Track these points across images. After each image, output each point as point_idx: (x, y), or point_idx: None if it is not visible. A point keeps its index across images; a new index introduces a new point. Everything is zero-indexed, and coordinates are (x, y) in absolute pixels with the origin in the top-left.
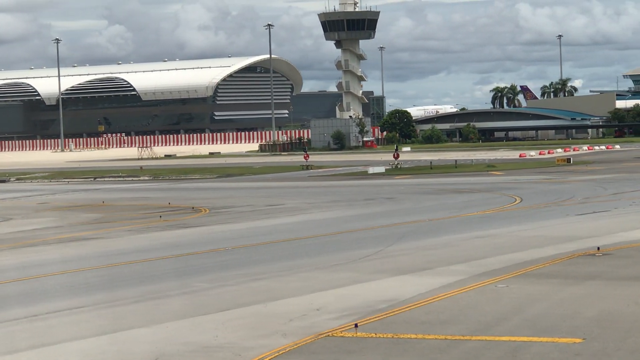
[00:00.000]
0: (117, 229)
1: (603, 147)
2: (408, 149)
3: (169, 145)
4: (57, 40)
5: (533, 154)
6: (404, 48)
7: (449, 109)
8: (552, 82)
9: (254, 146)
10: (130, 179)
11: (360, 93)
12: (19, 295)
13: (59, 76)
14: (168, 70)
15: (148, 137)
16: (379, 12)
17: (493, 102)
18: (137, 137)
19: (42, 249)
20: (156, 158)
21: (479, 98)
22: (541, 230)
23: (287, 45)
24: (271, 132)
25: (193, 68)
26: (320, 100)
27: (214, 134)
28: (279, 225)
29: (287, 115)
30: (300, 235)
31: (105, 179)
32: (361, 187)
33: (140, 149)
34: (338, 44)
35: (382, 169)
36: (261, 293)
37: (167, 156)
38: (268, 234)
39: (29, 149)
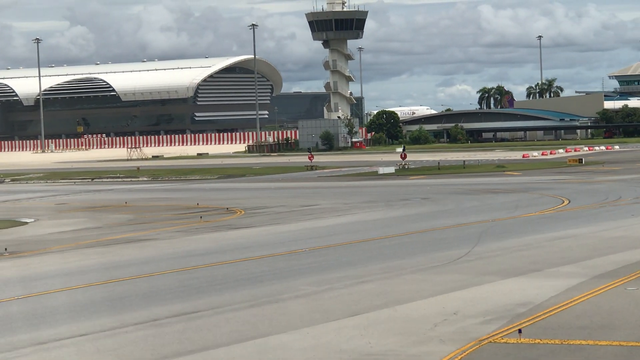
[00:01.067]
0: (163, 230)
1: (603, 148)
2: (400, 149)
3: (150, 146)
4: (38, 40)
5: (536, 154)
6: (366, 50)
7: (425, 110)
8: (537, 83)
9: (239, 147)
10: (129, 179)
11: (348, 93)
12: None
13: (39, 76)
14: (148, 70)
15: (128, 137)
16: (367, 11)
17: (480, 103)
18: (117, 138)
19: (108, 250)
20: (145, 159)
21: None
22: (621, 231)
23: (249, 46)
24: (255, 133)
25: (173, 68)
26: (295, 101)
27: (196, 135)
28: (335, 226)
29: (267, 116)
30: (369, 237)
31: (104, 180)
32: (386, 188)
33: (129, 149)
34: (326, 44)
35: (391, 170)
36: (378, 296)
37: (155, 157)
38: (332, 235)
39: (8, 150)
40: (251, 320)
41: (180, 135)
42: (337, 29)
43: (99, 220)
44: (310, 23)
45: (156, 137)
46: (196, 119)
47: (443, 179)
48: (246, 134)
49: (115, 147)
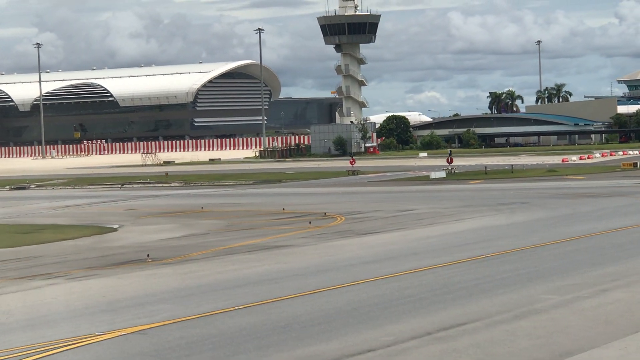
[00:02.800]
0: (283, 236)
1: (637, 152)
2: (425, 154)
3: (148, 151)
4: (38, 45)
5: (574, 158)
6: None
7: (417, 117)
8: (546, 88)
9: (244, 152)
10: (160, 185)
11: (361, 98)
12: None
13: (40, 81)
14: (146, 75)
15: (128, 143)
16: (379, 15)
17: (490, 108)
18: (116, 144)
19: (261, 256)
20: (158, 164)
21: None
22: None
23: (218, 53)
24: (257, 138)
25: (172, 74)
26: (284, 107)
27: (198, 141)
28: (470, 231)
29: (266, 122)
30: (531, 243)
31: (134, 185)
32: (462, 192)
33: (144, 155)
34: (338, 48)
35: (442, 174)
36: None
37: (166, 163)
38: (489, 241)
39: (5, 156)
40: (540, 334)
41: (181, 141)
42: (349, 32)
43: (193, 226)
44: (323, 27)
45: (155, 142)
46: (195, 124)
47: (508, 183)
48: (249, 139)
49: (115, 152)
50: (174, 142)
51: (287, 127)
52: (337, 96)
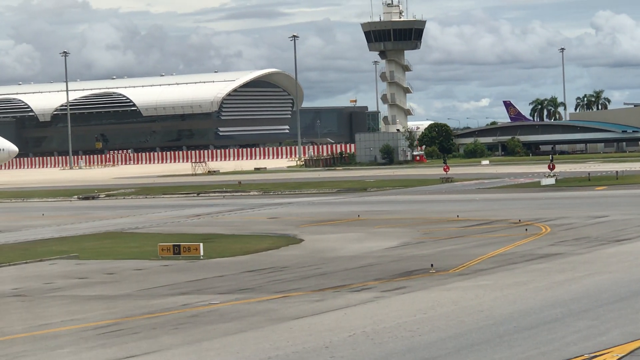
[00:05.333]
0: (518, 244)
1: None
2: (487, 162)
3: (172, 162)
4: (65, 54)
5: None
6: (312, 67)
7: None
8: (585, 95)
9: (276, 162)
10: (239, 194)
11: (406, 105)
12: None
13: (67, 90)
14: (168, 85)
15: (153, 153)
16: (425, 21)
17: (532, 115)
18: (141, 154)
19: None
20: (203, 174)
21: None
22: None
23: (195, 65)
24: (291, 147)
25: (195, 82)
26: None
27: (224, 150)
28: None
29: (287, 131)
30: None
31: (210, 195)
32: (616, 199)
33: (194, 164)
34: (382, 55)
35: (552, 181)
36: None
37: (211, 172)
38: None
39: (28, 167)
40: None
41: (206, 151)
42: (395, 39)
43: (385, 235)
44: (367, 33)
45: (179, 152)
46: (220, 134)
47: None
48: (278, 149)
49: (140, 163)
50: (199, 151)
51: (308, 137)
52: (355, 105)
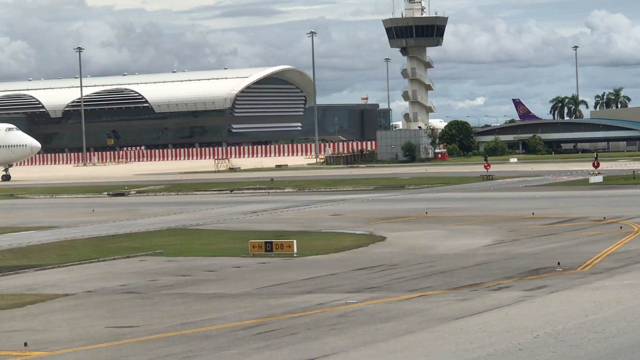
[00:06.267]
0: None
1: None
2: (515, 159)
3: (184, 159)
4: (80, 49)
5: None
6: (307, 65)
7: (438, 123)
8: (604, 93)
9: (296, 159)
10: (273, 191)
11: (428, 102)
12: None
13: (81, 86)
14: (181, 81)
15: (167, 150)
16: (447, 17)
17: (552, 113)
18: (153, 151)
19: None
20: (227, 170)
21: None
22: None
23: (189, 62)
24: (309, 144)
25: (208, 79)
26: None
27: (238, 147)
28: None
29: (300, 128)
30: None
31: (244, 192)
32: None
33: (217, 161)
34: (404, 51)
35: (599, 179)
36: None
37: (232, 169)
38: None
39: (39, 164)
40: None
41: (222, 148)
42: (417, 35)
43: (470, 233)
44: (388, 30)
45: (191, 149)
46: (233, 131)
47: None
48: (293, 146)
49: (154, 160)
50: (212, 148)
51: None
52: (367, 102)
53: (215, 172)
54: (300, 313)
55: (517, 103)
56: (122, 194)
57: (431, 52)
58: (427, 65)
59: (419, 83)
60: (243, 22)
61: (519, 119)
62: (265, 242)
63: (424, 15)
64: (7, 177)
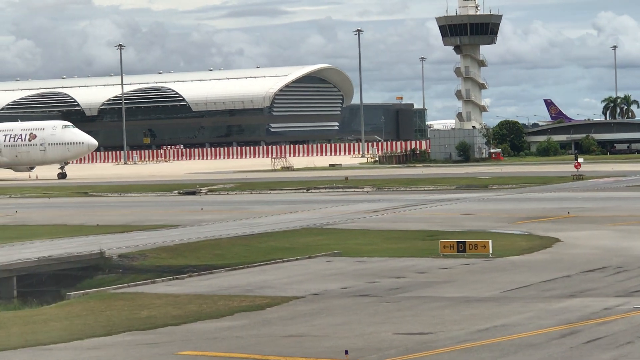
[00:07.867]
0: None
1: None
2: (581, 160)
3: (220, 158)
4: (121, 47)
5: None
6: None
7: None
8: None
9: (341, 159)
10: (351, 190)
11: (482, 102)
12: None
13: (122, 84)
14: (218, 79)
15: (205, 149)
16: (501, 15)
17: (604, 113)
18: (194, 150)
19: None
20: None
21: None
22: None
23: (196, 62)
24: (352, 144)
25: (246, 77)
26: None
27: (278, 147)
28: None
29: (337, 128)
30: None
31: (321, 190)
32: None
33: (274, 159)
34: (457, 50)
35: None
36: None
37: (285, 168)
38: None
39: (75, 162)
40: None
41: (261, 147)
42: (471, 33)
43: None
44: (442, 27)
45: (229, 148)
46: (271, 130)
47: None
48: (335, 145)
49: (192, 159)
50: (251, 147)
51: (352, 134)
52: (402, 102)
53: (272, 170)
54: (606, 318)
55: (549, 104)
56: (194, 193)
57: (437, 53)
58: (481, 63)
59: (472, 82)
60: (249, 22)
61: (550, 119)
62: (457, 242)
63: (478, 14)
64: (63, 175)
